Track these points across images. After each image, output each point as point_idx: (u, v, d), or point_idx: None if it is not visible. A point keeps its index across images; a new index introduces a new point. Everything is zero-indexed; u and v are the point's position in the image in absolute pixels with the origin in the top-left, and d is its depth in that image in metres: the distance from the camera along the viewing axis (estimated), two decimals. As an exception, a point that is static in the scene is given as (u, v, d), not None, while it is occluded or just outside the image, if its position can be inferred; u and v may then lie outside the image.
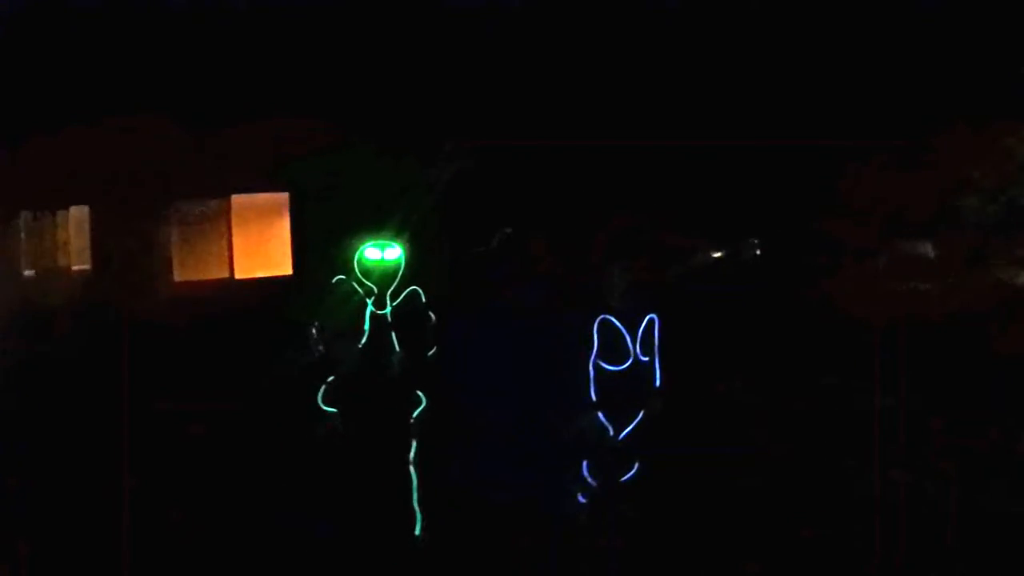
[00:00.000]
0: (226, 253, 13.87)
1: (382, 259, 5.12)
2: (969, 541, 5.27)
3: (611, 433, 4.61)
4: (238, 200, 13.88)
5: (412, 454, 5.13)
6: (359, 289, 5.10)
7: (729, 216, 12.67)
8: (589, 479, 4.61)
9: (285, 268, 13.56)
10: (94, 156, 12.21)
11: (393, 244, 5.14)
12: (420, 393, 5.16)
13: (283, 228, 13.72)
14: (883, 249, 11.62)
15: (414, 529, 5.14)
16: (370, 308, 5.10)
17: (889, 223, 11.47)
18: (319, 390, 5.09)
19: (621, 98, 12.16)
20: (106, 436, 6.86)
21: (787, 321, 10.11)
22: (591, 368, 4.59)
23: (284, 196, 13.79)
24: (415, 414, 5.15)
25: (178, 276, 13.84)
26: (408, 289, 5.16)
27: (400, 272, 5.13)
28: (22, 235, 14.27)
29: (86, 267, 13.99)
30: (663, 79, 12.22)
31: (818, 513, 5.74)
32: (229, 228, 13.92)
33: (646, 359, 4.65)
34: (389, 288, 5.13)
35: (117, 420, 6.98)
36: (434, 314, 5.19)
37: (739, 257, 13.22)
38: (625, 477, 4.68)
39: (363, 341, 5.07)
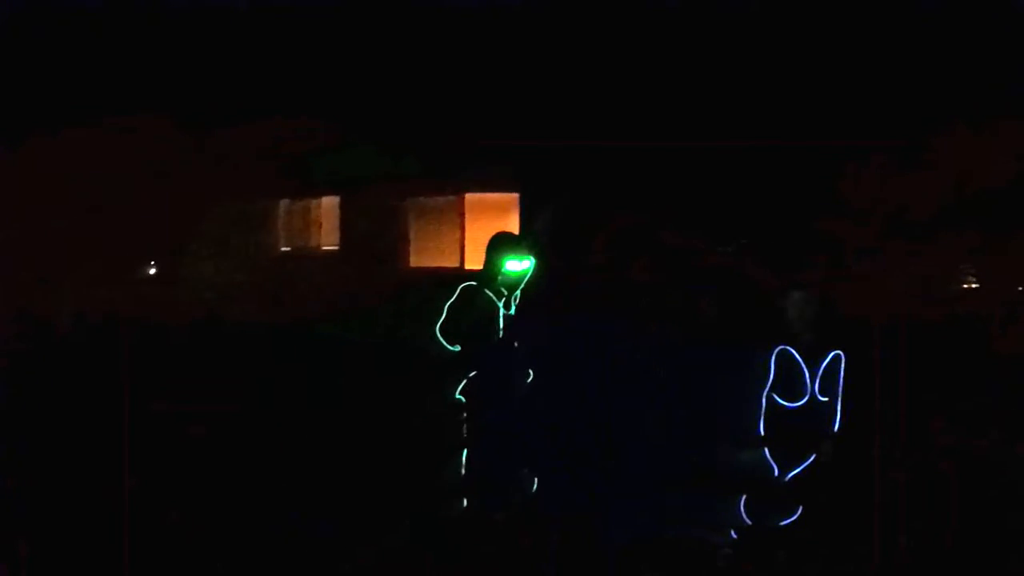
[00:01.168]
0: (458, 245, 14.83)
1: (520, 270, 5.71)
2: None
3: (775, 472, 4.42)
4: (471, 198, 14.83)
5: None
6: (493, 296, 5.69)
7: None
8: (743, 516, 4.49)
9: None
10: (345, 155, 14.11)
11: (529, 256, 5.73)
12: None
13: (513, 225, 14.06)
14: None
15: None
16: (502, 311, 5.70)
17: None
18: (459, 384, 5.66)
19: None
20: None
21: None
22: (763, 401, 4.39)
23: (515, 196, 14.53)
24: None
25: (413, 262, 15.26)
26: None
27: (526, 280, 5.73)
28: (281, 217, 16.61)
29: (335, 247, 15.84)
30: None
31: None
32: (463, 222, 14.81)
33: (825, 398, 4.46)
34: (515, 293, 5.75)
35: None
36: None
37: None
38: (785, 520, 4.53)
39: (496, 339, 5.65)
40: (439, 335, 5.65)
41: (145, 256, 14.98)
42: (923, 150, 11.09)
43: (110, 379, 7.77)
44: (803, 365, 4.43)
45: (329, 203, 15.99)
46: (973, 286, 11.40)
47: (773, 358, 4.38)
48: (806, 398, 4.40)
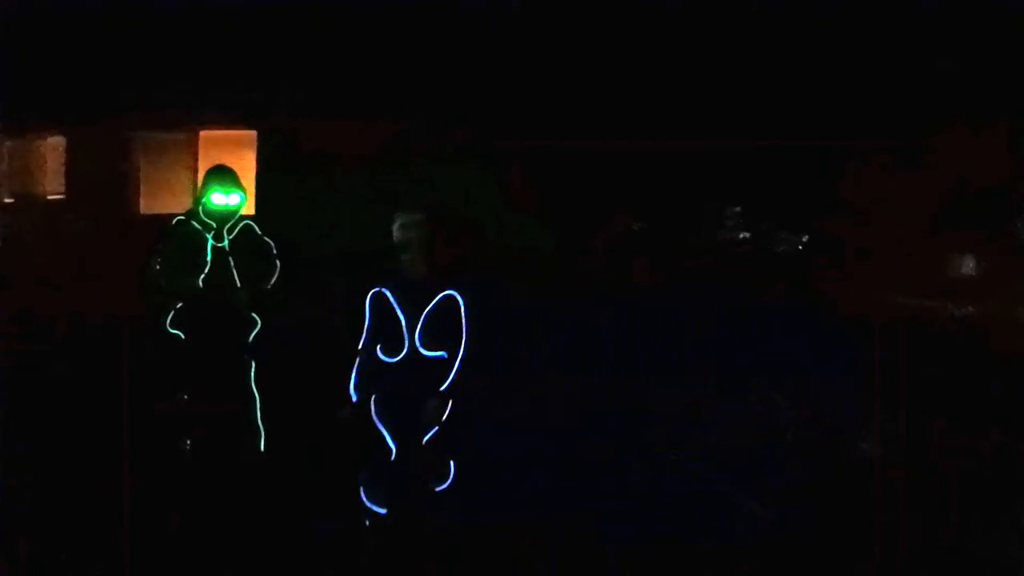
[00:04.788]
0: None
1: (226, 204, 5.91)
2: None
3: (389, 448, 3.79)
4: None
5: (252, 374, 5.96)
6: (201, 228, 5.92)
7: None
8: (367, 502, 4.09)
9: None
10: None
11: (237, 190, 5.95)
12: (256, 316, 5.99)
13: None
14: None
15: (259, 445, 5.94)
16: (211, 242, 5.91)
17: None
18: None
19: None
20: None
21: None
22: (359, 356, 3.83)
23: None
24: (251, 336, 5.97)
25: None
26: (242, 224, 6.03)
27: (239, 213, 5.98)
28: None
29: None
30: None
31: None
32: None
33: (434, 353, 3.74)
34: (226, 225, 5.96)
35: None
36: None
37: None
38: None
39: (205, 272, 5.89)
40: (164, 282, 5.94)
41: None
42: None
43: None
44: (399, 310, 3.73)
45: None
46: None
47: (367, 302, 3.79)
48: (403, 352, 3.71)
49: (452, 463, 4.06)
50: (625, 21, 12.28)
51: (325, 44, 11.91)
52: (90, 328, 9.88)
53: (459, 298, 3.81)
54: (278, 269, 6.12)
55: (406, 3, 11.57)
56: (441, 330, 3.85)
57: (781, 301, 10.30)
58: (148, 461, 6.28)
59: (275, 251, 6.14)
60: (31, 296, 10.93)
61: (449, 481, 4.04)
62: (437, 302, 3.78)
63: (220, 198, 5.92)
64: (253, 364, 6.02)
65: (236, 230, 6.02)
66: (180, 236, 5.97)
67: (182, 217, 6.08)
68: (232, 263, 5.96)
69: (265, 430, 6.04)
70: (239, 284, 5.96)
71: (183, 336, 5.95)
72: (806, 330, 9.17)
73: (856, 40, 11.57)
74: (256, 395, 6.00)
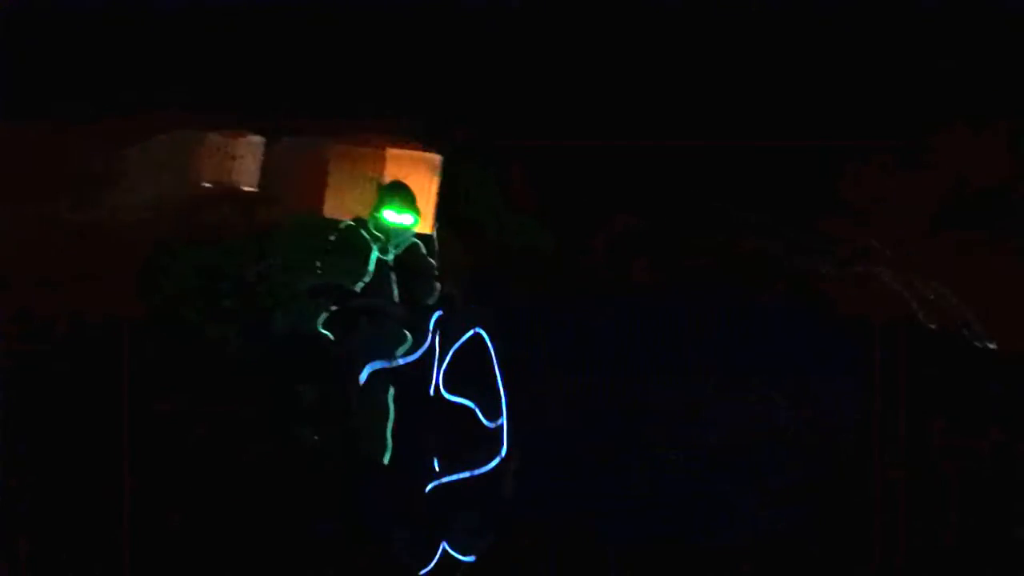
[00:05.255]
0: None
1: (398, 223, 5.89)
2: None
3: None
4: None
5: (392, 389, 5.70)
6: (370, 238, 5.86)
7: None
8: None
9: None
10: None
11: (410, 212, 5.93)
12: (407, 333, 5.77)
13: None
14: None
15: (384, 458, 5.65)
16: (375, 254, 5.83)
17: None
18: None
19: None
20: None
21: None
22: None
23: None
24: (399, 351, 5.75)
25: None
26: (410, 241, 5.96)
27: (410, 233, 5.91)
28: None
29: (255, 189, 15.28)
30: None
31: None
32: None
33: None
34: (394, 241, 5.89)
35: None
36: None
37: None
38: None
39: (365, 282, 5.79)
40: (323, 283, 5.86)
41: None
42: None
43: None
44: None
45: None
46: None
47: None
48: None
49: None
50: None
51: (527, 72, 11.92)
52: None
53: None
54: (437, 291, 5.99)
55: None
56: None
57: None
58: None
59: (437, 272, 6.06)
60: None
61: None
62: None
63: (393, 216, 5.92)
64: (396, 380, 5.81)
65: (402, 246, 5.98)
66: (347, 241, 5.94)
67: (352, 223, 6.04)
68: (393, 278, 5.91)
69: (392, 447, 5.75)
70: (397, 299, 5.89)
71: (332, 337, 5.82)
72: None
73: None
74: (392, 410, 5.79)
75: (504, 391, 4.00)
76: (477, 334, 4.11)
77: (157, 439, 6.83)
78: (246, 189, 15.05)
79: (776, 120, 11.79)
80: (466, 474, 4.84)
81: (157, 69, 12.40)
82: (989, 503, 5.81)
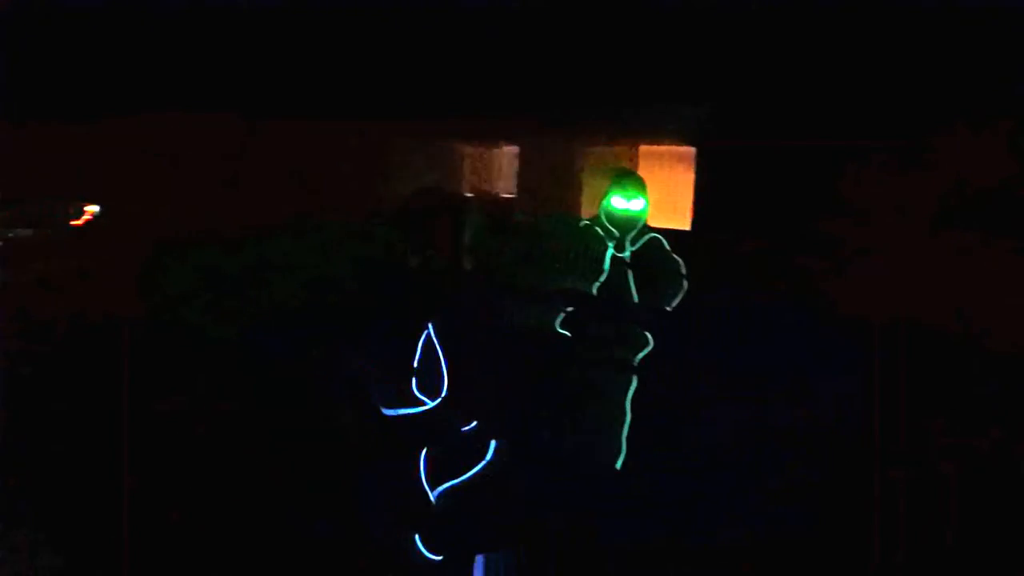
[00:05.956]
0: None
1: (626, 208, 5.61)
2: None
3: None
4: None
5: (631, 392, 5.59)
6: (603, 234, 5.64)
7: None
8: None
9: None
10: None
11: (638, 195, 5.61)
12: (649, 335, 5.62)
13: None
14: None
15: (616, 462, 5.57)
16: (611, 251, 5.62)
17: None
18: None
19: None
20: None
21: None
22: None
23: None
24: (640, 355, 5.60)
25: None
26: (649, 236, 5.69)
27: (641, 221, 5.64)
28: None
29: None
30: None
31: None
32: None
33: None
34: (630, 235, 5.65)
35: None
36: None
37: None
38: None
39: (601, 281, 5.58)
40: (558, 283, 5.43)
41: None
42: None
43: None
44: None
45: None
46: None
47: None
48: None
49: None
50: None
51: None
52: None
53: None
54: (684, 290, 5.70)
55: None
56: None
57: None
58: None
59: (684, 271, 5.71)
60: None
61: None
62: None
63: (621, 202, 5.61)
64: (635, 383, 5.64)
65: (641, 242, 5.69)
66: (582, 240, 5.67)
67: (588, 222, 5.78)
68: (631, 276, 5.65)
69: (626, 451, 5.65)
70: (636, 299, 5.64)
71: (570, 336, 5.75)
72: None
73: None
74: (628, 414, 5.62)
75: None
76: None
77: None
78: (504, 195, 15.58)
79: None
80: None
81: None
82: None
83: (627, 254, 5.62)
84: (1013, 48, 10.70)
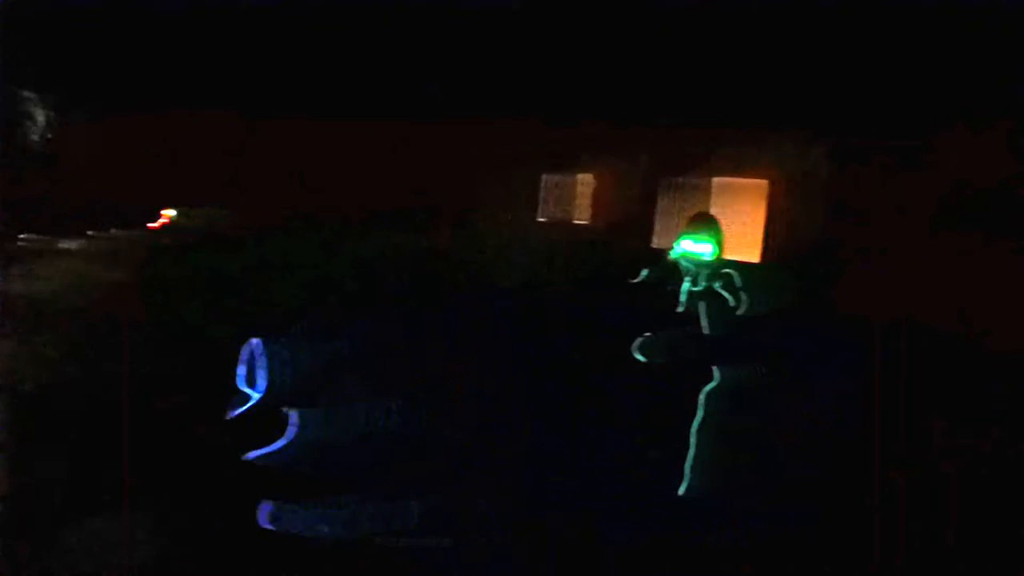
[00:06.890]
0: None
1: (695, 252, 5.97)
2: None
3: None
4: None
5: (696, 423, 5.79)
6: (680, 269, 5.96)
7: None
8: None
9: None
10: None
11: (709, 241, 5.98)
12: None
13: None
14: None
15: (678, 489, 5.71)
16: (687, 284, 5.93)
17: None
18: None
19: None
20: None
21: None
22: None
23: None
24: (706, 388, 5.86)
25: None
26: (724, 271, 5.99)
27: (710, 264, 5.96)
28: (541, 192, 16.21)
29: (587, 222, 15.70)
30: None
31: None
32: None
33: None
34: (705, 271, 5.96)
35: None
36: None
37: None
38: None
39: (676, 311, 5.89)
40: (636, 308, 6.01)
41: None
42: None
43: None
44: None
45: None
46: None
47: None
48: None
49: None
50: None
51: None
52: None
53: None
54: (734, 326, 6.07)
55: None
56: None
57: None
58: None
59: (739, 305, 6.07)
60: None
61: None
62: None
63: (690, 245, 5.98)
64: (701, 414, 5.88)
65: (716, 277, 6.02)
66: (665, 271, 6.01)
67: (669, 255, 6.13)
68: (703, 310, 5.97)
69: (690, 481, 5.83)
70: (707, 332, 5.95)
71: (645, 360, 5.86)
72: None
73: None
74: (693, 444, 5.83)
75: None
76: None
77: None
78: (578, 222, 15.70)
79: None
80: None
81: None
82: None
83: (700, 288, 5.94)
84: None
